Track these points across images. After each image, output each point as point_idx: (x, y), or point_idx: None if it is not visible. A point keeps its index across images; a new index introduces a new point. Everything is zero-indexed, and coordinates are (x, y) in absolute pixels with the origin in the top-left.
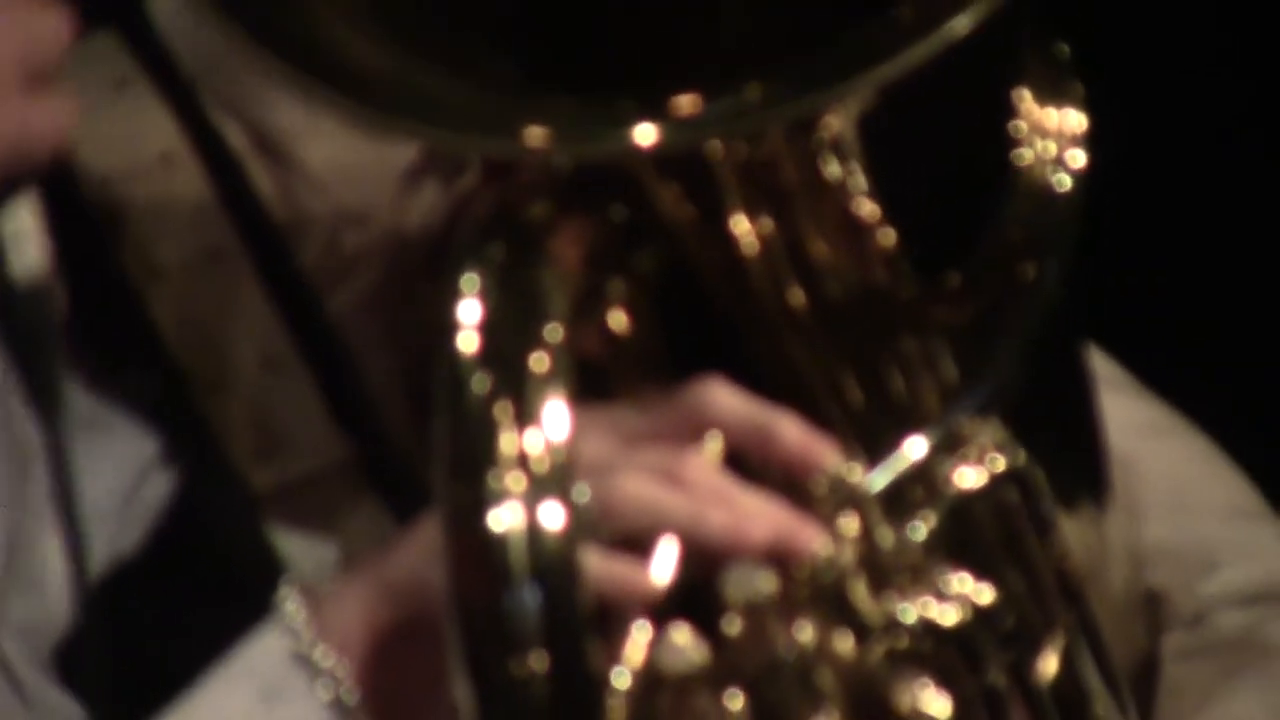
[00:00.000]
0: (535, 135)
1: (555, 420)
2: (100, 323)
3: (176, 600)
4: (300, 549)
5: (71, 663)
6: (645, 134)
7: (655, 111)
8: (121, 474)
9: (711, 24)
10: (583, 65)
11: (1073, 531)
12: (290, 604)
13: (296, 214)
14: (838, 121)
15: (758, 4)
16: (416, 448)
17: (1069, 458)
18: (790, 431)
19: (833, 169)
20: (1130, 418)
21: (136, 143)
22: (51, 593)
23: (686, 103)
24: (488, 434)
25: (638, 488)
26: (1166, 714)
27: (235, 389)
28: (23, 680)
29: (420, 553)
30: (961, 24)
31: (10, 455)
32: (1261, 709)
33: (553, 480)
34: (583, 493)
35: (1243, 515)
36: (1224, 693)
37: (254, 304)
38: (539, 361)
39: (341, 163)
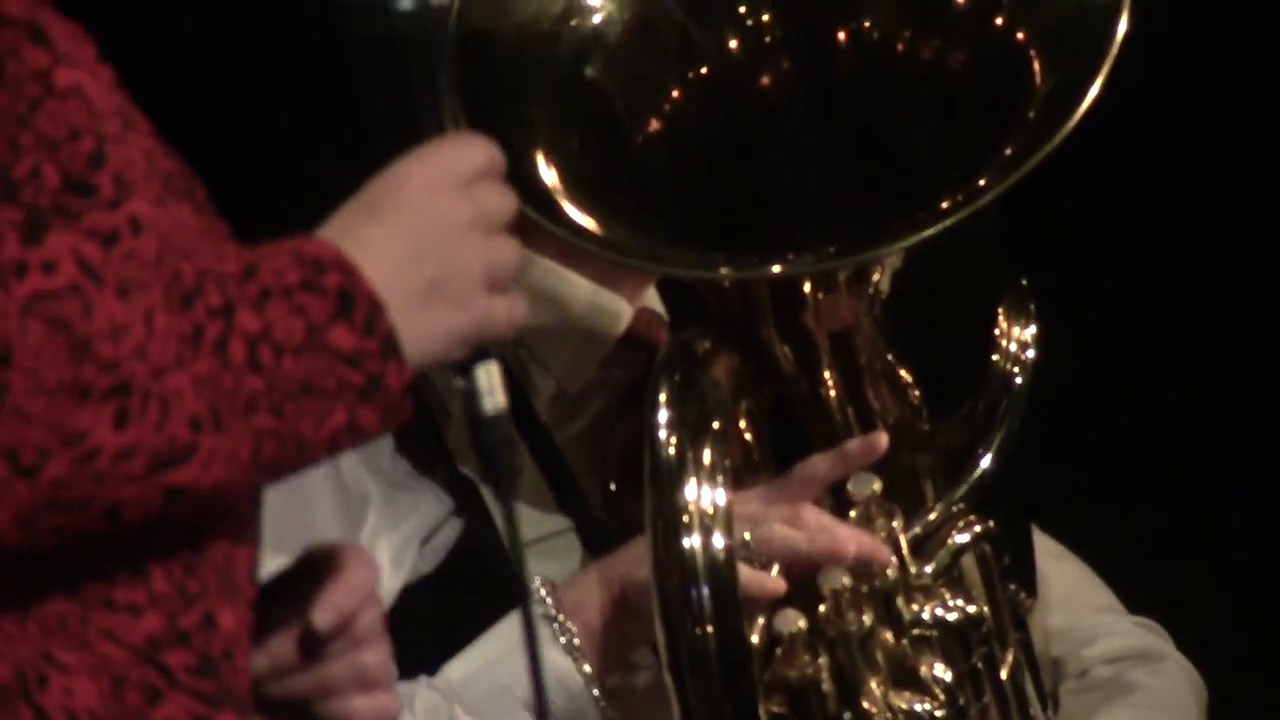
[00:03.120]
0: (723, 268)
1: (719, 478)
2: (410, 435)
3: (457, 604)
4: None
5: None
6: (774, 269)
7: (777, 259)
8: (425, 521)
9: (803, 209)
10: (719, 234)
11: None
12: (542, 587)
13: (531, 387)
14: (879, 276)
15: (827, 200)
16: (611, 523)
17: (1019, 567)
18: (853, 443)
19: (889, 358)
20: (1041, 546)
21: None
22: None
23: (790, 257)
24: (678, 485)
25: (780, 530)
26: None
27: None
28: None
29: (626, 562)
30: (945, 224)
31: (344, 503)
32: (1126, 715)
33: (719, 517)
34: (746, 537)
35: (1109, 610)
36: (1102, 712)
37: None
38: (707, 441)
39: (564, 363)
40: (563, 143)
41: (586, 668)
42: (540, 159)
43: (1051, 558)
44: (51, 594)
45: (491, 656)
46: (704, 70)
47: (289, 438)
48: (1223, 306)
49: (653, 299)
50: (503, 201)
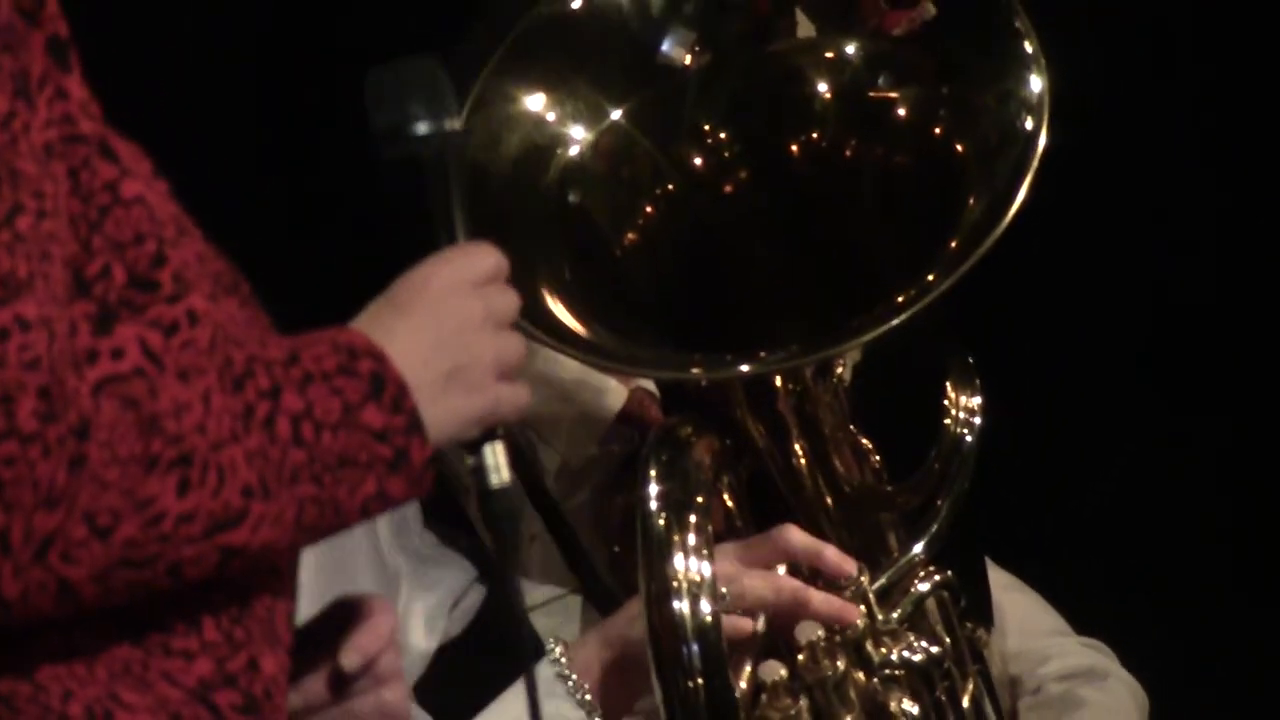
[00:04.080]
0: (695, 369)
1: (704, 549)
2: (436, 511)
3: (481, 665)
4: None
5: (423, 692)
6: (744, 368)
7: (745, 359)
8: (452, 590)
9: (769, 308)
10: (693, 335)
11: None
12: (556, 648)
13: (541, 465)
14: (841, 368)
15: (791, 299)
16: (613, 583)
17: (976, 604)
18: (831, 554)
19: (851, 429)
20: (996, 579)
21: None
22: (413, 653)
23: (760, 354)
24: (667, 557)
25: (751, 583)
26: None
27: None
28: None
29: (624, 622)
30: (901, 318)
31: (381, 578)
32: None
33: (705, 584)
34: (723, 591)
35: (1059, 634)
36: None
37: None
38: (692, 516)
39: (565, 440)
40: (551, 261)
41: None
42: (534, 277)
43: (1006, 589)
44: (118, 641)
45: (501, 716)
46: (672, 186)
47: (328, 504)
48: (1158, 356)
49: (646, 378)
50: (510, 301)
